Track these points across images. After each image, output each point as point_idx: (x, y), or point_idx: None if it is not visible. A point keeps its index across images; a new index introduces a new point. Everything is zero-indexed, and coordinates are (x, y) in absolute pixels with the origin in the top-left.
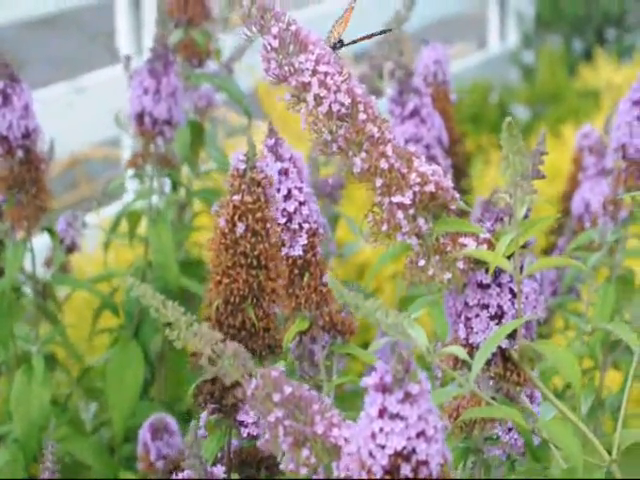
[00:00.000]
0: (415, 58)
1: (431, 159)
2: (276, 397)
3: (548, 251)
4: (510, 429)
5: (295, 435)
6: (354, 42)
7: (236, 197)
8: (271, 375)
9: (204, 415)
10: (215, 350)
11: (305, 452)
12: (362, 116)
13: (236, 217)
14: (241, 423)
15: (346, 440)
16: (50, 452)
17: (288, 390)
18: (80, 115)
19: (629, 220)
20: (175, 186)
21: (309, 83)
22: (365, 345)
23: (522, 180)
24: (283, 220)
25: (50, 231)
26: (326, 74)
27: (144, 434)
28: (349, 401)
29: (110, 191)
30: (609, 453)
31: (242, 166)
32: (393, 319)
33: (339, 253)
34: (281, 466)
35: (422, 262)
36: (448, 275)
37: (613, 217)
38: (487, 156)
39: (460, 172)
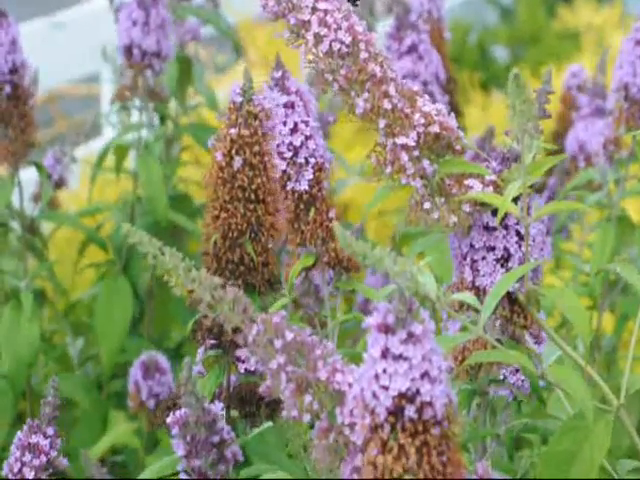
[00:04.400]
0: None
1: (428, 96)
2: (278, 343)
3: (539, 190)
4: (517, 370)
5: (297, 381)
6: None
7: (233, 130)
8: (272, 321)
9: (201, 350)
10: (215, 296)
11: (308, 398)
12: (363, 55)
13: (233, 151)
14: (238, 358)
15: (350, 385)
16: (52, 387)
17: (290, 336)
18: (57, 51)
19: (630, 160)
20: (163, 120)
21: (309, 21)
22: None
23: (529, 126)
24: (289, 154)
25: (38, 166)
26: (326, 11)
27: (135, 373)
28: (340, 338)
29: (92, 125)
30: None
31: (239, 99)
32: (401, 267)
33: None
34: (283, 413)
35: (428, 204)
36: (454, 218)
37: (612, 157)
38: (467, 96)
39: (454, 110)
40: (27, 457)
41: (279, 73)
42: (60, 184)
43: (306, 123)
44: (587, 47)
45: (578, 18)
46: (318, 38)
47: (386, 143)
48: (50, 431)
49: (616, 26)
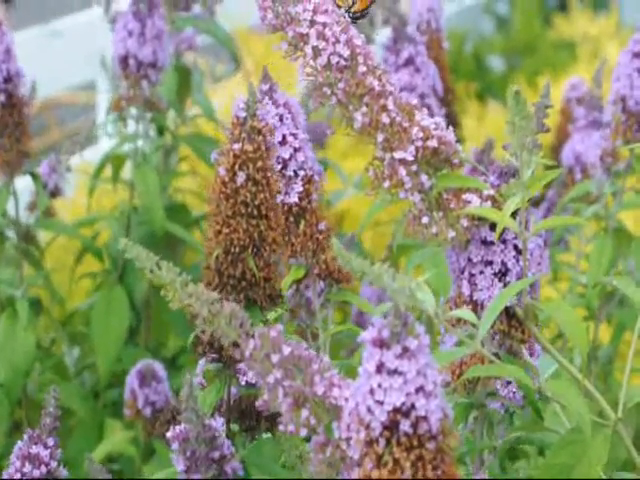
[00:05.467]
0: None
1: (426, 109)
2: (275, 358)
3: (538, 203)
4: (509, 382)
5: (294, 396)
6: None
7: (236, 146)
8: (269, 335)
9: (202, 363)
10: (212, 310)
11: (305, 413)
12: (362, 68)
13: (236, 166)
14: (238, 370)
15: (346, 400)
16: (53, 397)
17: (287, 350)
18: (53, 59)
19: (627, 172)
20: (161, 130)
21: (307, 34)
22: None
23: (528, 142)
24: (278, 167)
25: (33, 175)
26: (324, 24)
27: (132, 381)
28: (335, 350)
29: (88, 135)
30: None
31: (242, 114)
32: (400, 283)
33: (326, 200)
34: (280, 427)
35: (426, 219)
36: (452, 233)
37: (609, 169)
38: (463, 106)
39: (452, 121)
40: (27, 467)
41: (267, 85)
42: (55, 193)
43: (295, 135)
44: (583, 57)
45: (574, 28)
46: (316, 51)
47: (384, 157)
48: (50, 441)
49: (612, 36)
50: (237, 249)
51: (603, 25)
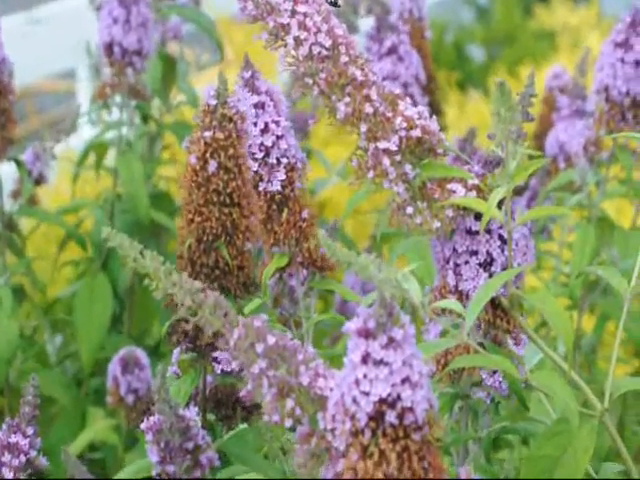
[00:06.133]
0: None
1: (409, 98)
2: (259, 348)
3: (521, 191)
4: (495, 372)
5: (279, 386)
6: None
7: (207, 133)
8: (254, 325)
9: (177, 352)
10: (195, 300)
11: (290, 403)
12: (344, 58)
13: (207, 154)
14: (214, 359)
15: (332, 390)
16: (32, 386)
17: (272, 340)
18: (34, 47)
19: (610, 161)
20: (145, 118)
21: (288, 24)
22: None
23: (513, 132)
24: (260, 155)
25: (18, 162)
26: (305, 14)
27: (114, 368)
28: (318, 338)
29: (73, 123)
30: None
31: (213, 102)
32: (386, 274)
33: (309, 189)
34: (264, 417)
35: (410, 209)
36: (437, 223)
37: (592, 158)
38: (444, 95)
39: (435, 109)
40: (6, 457)
41: (248, 73)
42: (40, 181)
43: (277, 123)
44: (563, 47)
45: (554, 18)
46: (298, 41)
47: (368, 147)
48: (30, 430)
49: (593, 27)
50: (210, 238)
51: (584, 15)
